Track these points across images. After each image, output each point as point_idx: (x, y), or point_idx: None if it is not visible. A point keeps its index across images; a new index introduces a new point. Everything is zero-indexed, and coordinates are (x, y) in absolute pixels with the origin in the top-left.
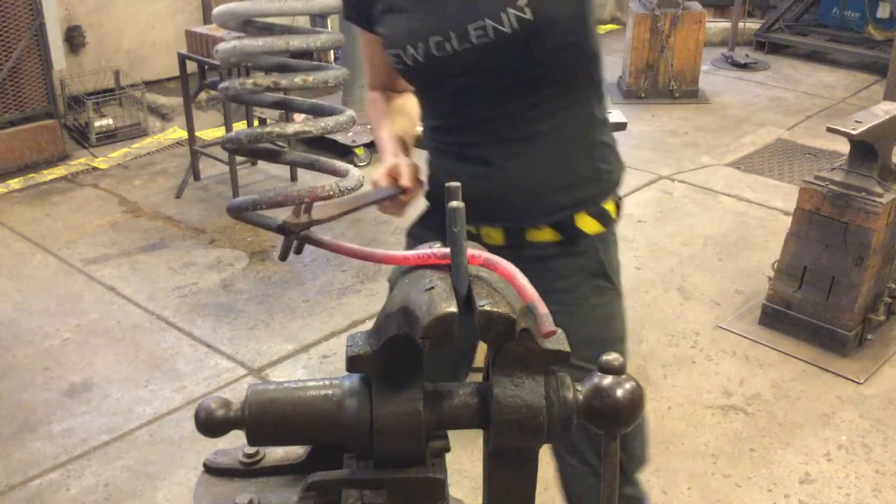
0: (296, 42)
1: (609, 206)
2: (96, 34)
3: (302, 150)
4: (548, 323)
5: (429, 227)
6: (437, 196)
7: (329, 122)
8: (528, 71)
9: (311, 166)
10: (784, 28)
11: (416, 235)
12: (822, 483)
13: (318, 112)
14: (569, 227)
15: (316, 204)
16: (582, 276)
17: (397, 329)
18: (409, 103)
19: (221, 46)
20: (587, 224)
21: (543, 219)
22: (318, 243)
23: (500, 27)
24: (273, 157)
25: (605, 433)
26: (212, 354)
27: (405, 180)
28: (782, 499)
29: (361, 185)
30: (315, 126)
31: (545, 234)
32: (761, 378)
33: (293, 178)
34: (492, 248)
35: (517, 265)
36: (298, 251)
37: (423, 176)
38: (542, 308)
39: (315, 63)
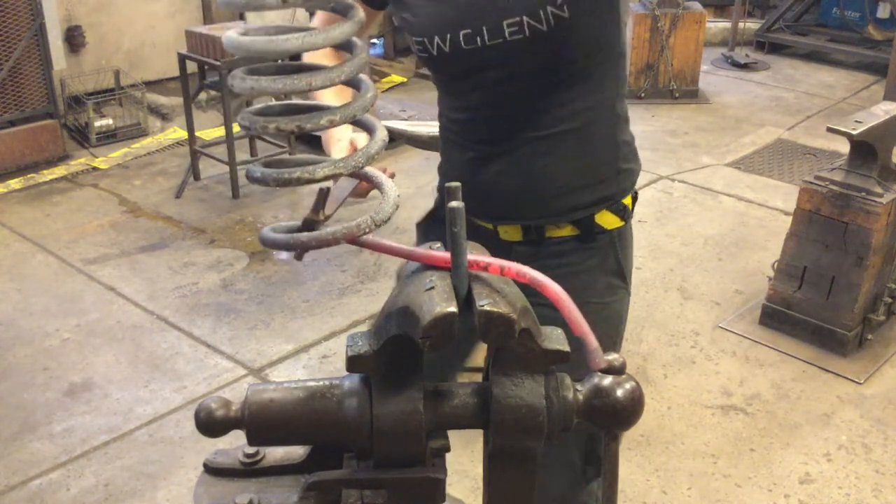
0: (318, 81)
1: (627, 201)
2: (96, 34)
3: (303, 150)
4: (598, 359)
5: (439, 220)
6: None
7: (360, 157)
8: (558, 69)
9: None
10: (784, 28)
11: (425, 228)
12: (822, 483)
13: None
14: (589, 223)
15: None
16: (598, 273)
17: (397, 329)
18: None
19: (237, 84)
20: (607, 220)
21: (564, 217)
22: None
23: (536, 24)
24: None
25: (606, 433)
26: (212, 354)
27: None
28: (782, 499)
29: (397, 207)
30: (346, 165)
31: (564, 231)
32: (761, 378)
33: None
34: (508, 244)
35: (533, 260)
36: (299, 257)
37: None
38: (593, 342)
39: (328, 106)
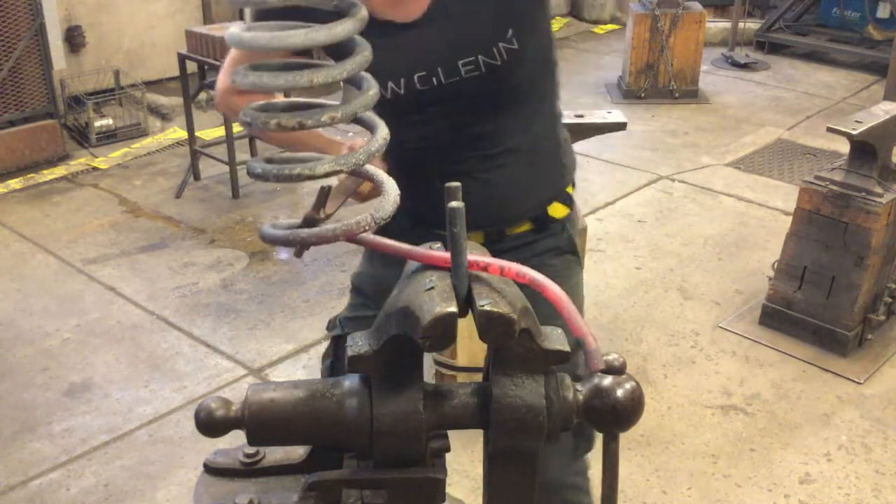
0: (319, 78)
1: (570, 190)
2: (96, 34)
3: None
4: (598, 359)
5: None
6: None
7: (361, 155)
8: (509, 92)
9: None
10: (784, 28)
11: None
12: (822, 483)
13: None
14: (543, 217)
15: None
16: (554, 253)
17: (397, 329)
18: None
19: (240, 79)
20: (557, 210)
21: (522, 218)
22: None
23: (491, 61)
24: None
25: (605, 433)
26: (212, 354)
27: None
28: (782, 499)
29: (398, 205)
30: (347, 162)
31: (522, 227)
32: (761, 378)
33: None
34: None
35: (493, 253)
36: (299, 254)
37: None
38: (592, 343)
39: (327, 102)
